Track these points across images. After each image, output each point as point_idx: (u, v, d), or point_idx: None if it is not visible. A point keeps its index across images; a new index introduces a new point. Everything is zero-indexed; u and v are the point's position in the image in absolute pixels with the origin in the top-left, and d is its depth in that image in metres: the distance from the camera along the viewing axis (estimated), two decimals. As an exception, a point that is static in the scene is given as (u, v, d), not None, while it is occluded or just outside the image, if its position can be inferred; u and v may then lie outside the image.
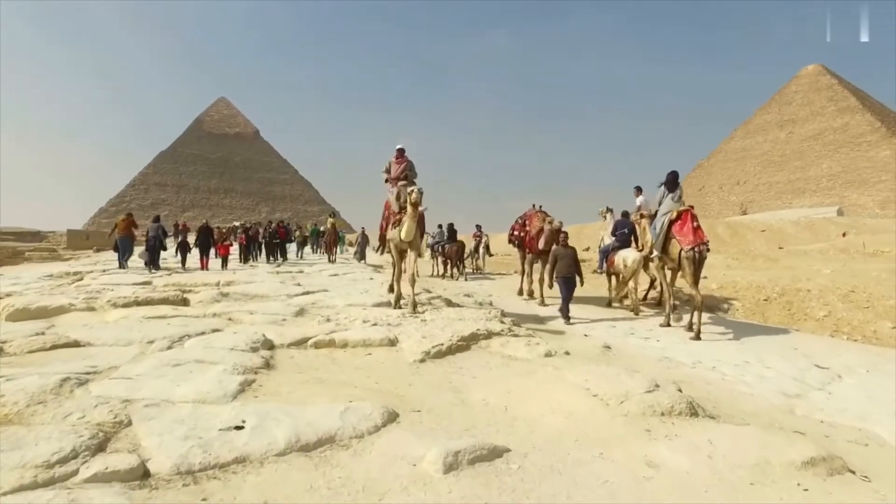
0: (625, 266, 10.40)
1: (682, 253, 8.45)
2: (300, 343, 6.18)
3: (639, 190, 12.13)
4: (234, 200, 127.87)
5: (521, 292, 13.00)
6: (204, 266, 16.04)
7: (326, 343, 6.16)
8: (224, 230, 32.25)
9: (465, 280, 16.63)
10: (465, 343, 6.46)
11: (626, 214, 11.67)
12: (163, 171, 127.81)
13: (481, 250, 20.32)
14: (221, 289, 10.65)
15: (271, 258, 20.07)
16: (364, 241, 23.99)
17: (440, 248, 17.82)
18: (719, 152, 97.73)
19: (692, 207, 8.88)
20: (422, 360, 5.81)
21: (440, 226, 19.25)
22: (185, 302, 8.94)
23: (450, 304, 9.87)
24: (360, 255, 23.12)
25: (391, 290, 9.27)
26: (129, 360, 5.04)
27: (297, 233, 25.99)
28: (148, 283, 11.50)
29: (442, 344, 6.21)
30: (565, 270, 9.77)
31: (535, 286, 12.37)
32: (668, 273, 9.42)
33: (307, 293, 10.57)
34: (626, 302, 11.37)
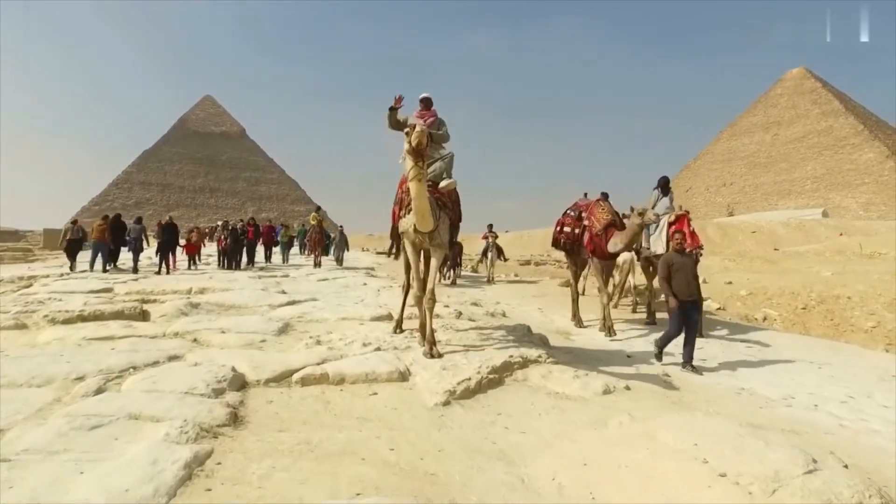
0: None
1: None
2: (282, 378, 4.61)
3: (604, 196, 12.93)
4: (220, 200, 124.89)
5: (576, 320, 9.27)
6: (171, 268, 14.88)
7: (317, 378, 4.59)
8: (206, 230, 30.41)
9: (454, 284, 15.11)
10: (498, 376, 4.94)
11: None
12: (147, 169, 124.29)
13: (491, 254, 16.67)
14: (192, 298, 9.00)
15: (232, 263, 16.45)
16: (342, 241, 19.90)
17: None
18: (706, 154, 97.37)
19: (688, 213, 9.37)
20: (446, 403, 4.29)
21: None
22: (143, 315, 7.30)
23: (459, 315, 8.37)
24: (337, 259, 19.12)
25: (398, 326, 6.73)
26: (29, 415, 3.45)
27: (284, 231, 22.15)
28: (108, 290, 9.81)
29: (469, 378, 4.68)
30: (685, 290, 6.22)
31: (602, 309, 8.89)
32: (652, 272, 9.69)
33: (293, 303, 8.97)
34: (624, 300, 11.56)
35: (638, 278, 11.51)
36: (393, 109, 6.11)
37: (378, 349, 5.58)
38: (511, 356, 5.30)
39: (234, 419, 3.63)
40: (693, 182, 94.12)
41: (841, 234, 42.12)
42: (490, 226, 17.36)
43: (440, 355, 5.29)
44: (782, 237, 53.13)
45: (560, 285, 15.72)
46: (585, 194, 9.48)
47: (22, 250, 28.55)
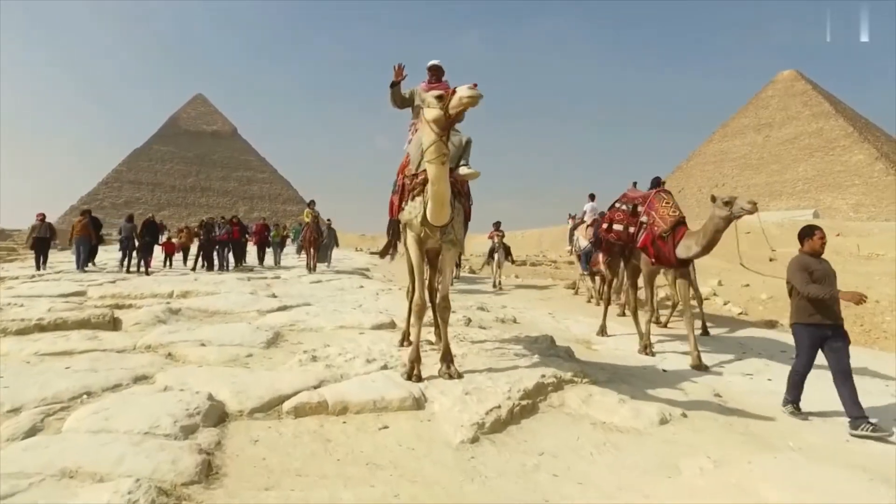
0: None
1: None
2: (271, 407, 3.73)
3: (591, 197, 13.61)
4: (212, 199, 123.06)
5: (603, 332, 8.15)
6: (148, 267, 14.16)
7: (314, 408, 3.71)
8: (196, 230, 29.31)
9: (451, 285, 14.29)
10: (531, 401, 4.09)
11: (602, 216, 11.80)
12: (137, 168, 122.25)
13: (498, 255, 14.57)
14: (173, 302, 8.08)
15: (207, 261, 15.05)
16: (330, 238, 17.93)
17: None
18: (698, 155, 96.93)
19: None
20: (474, 440, 3.44)
21: None
22: (114, 324, 6.37)
23: (468, 322, 7.53)
24: (326, 257, 17.61)
25: (404, 339, 5.74)
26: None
27: (276, 231, 19.67)
28: (80, 293, 8.86)
29: (498, 406, 3.83)
30: (830, 309, 4.31)
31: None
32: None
33: (284, 308, 8.07)
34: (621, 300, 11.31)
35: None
36: (395, 85, 5.25)
37: (385, 367, 4.71)
38: (543, 376, 4.45)
39: (207, 471, 2.75)
40: (685, 183, 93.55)
41: (837, 235, 41.71)
42: (497, 224, 15.40)
43: (459, 375, 4.43)
44: (776, 237, 52.48)
45: (566, 287, 14.92)
46: (634, 183, 8.15)
47: (6, 249, 27.40)
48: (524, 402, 4.00)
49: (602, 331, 8.15)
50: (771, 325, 10.14)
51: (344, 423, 3.60)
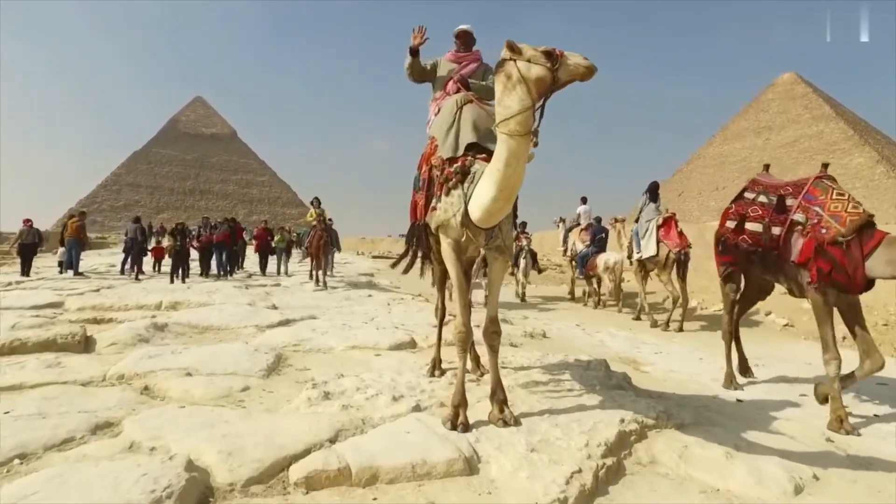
0: (606, 268, 10.64)
1: (671, 254, 9.20)
2: (274, 475, 2.72)
3: (584, 200, 13.64)
4: (211, 202, 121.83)
5: (730, 379, 5.60)
6: (138, 273, 13.57)
7: (332, 478, 2.68)
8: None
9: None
10: (615, 459, 3.08)
11: (598, 220, 12.27)
12: (136, 171, 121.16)
13: (524, 262, 12.46)
14: (159, 316, 7.06)
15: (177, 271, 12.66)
16: (333, 240, 15.14)
17: None
18: (698, 158, 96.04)
19: (675, 214, 9.81)
20: (557, 528, 2.42)
21: None
22: (85, 345, 5.34)
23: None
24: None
25: (435, 367, 4.66)
26: None
27: (279, 236, 16.85)
28: (57, 304, 7.83)
29: (579, 470, 2.82)
30: None
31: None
32: (643, 275, 10.04)
33: (286, 323, 7.07)
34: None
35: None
36: (414, 53, 4.25)
37: (417, 407, 3.69)
38: (623, 421, 3.44)
39: None
40: (685, 186, 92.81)
41: (848, 238, 40.73)
42: (523, 224, 13.32)
43: (517, 421, 3.40)
44: (781, 241, 52.04)
45: (584, 298, 13.89)
46: (766, 167, 6.22)
47: (1, 254, 26.51)
48: (608, 461, 2.99)
49: (730, 379, 5.61)
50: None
51: (374, 499, 2.59)
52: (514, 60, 2.91)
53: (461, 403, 3.38)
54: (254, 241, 16.74)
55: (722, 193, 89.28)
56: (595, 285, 11.79)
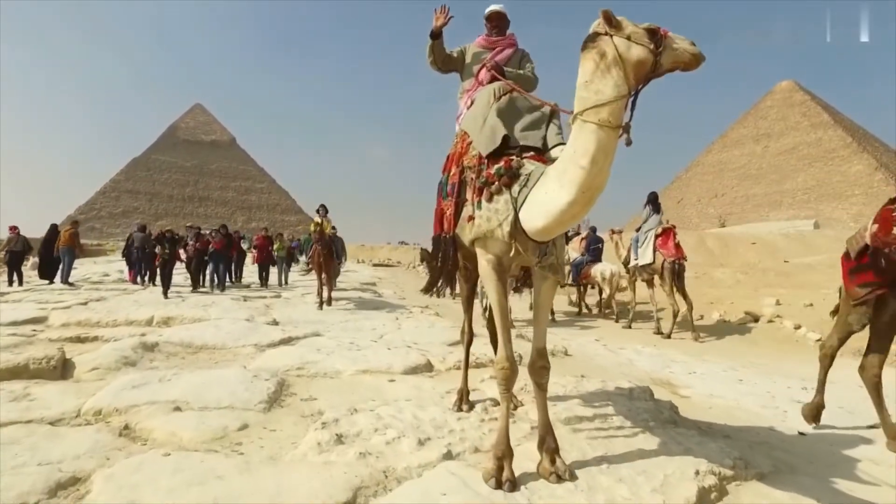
0: (602, 278, 10.65)
1: (665, 264, 9.20)
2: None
3: None
4: (210, 209, 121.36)
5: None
6: (132, 279, 13.45)
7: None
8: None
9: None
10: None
11: (594, 230, 12.24)
12: (135, 178, 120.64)
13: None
14: (150, 333, 6.44)
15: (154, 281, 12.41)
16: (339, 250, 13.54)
17: None
18: (697, 165, 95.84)
19: (675, 226, 9.82)
20: None
21: None
22: (62, 370, 4.72)
23: (519, 360, 5.89)
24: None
25: (463, 399, 3.95)
26: None
27: (278, 244, 15.40)
28: (39, 319, 7.21)
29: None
30: None
31: None
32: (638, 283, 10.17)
33: (288, 341, 6.46)
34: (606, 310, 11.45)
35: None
36: (436, 36, 3.67)
37: (448, 454, 3.08)
38: (698, 473, 2.84)
39: None
40: (684, 193, 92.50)
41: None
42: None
43: (572, 475, 2.79)
44: (783, 248, 51.16)
45: (597, 311, 13.30)
46: None
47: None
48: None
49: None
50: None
51: None
52: (611, 36, 2.34)
53: (506, 455, 2.77)
54: (254, 251, 15.48)
55: (721, 201, 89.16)
56: (583, 294, 11.94)
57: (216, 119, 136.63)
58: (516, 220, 2.68)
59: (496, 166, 2.85)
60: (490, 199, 2.82)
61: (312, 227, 10.61)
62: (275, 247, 15.28)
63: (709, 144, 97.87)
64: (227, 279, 13.57)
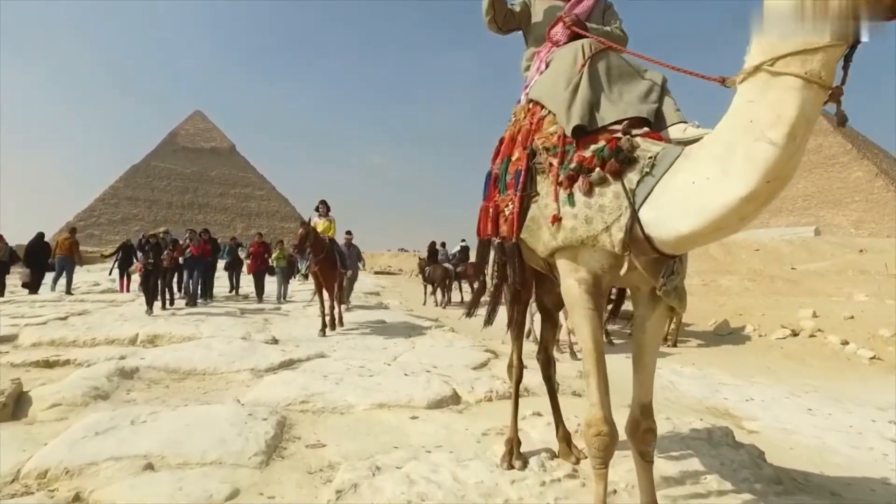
0: None
1: None
2: None
3: None
4: (209, 216, 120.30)
5: None
6: (123, 289, 12.56)
7: None
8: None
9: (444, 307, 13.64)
10: None
11: None
12: (134, 185, 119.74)
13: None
14: (131, 355, 5.57)
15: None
16: (354, 261, 11.54)
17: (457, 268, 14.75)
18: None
19: None
20: None
21: (443, 244, 15.75)
22: (14, 407, 3.85)
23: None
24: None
25: (513, 452, 2.99)
26: None
27: (279, 251, 13.14)
28: (8, 338, 6.36)
29: None
30: None
31: None
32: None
33: (290, 364, 5.62)
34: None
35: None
36: None
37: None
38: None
39: None
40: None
41: (861, 251, 39.69)
42: None
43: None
44: (787, 255, 50.44)
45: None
46: None
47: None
48: None
49: None
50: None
51: None
52: None
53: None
54: (250, 261, 13.11)
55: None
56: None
57: (216, 126, 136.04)
58: (634, 223, 1.85)
59: (593, 147, 2.02)
60: (589, 192, 1.99)
61: (302, 231, 7.66)
62: (273, 255, 13.15)
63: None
64: (199, 292, 11.20)
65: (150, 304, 8.69)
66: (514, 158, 2.50)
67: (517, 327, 3.25)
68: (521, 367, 3.29)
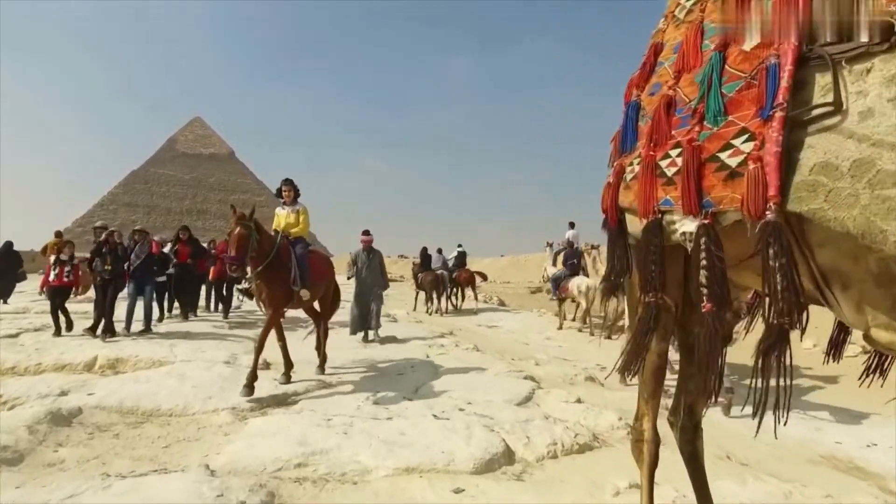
0: (579, 292, 10.41)
1: None
2: None
3: (571, 225, 12.95)
4: (208, 222, 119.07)
5: None
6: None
7: None
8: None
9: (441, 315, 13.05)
10: None
11: (571, 245, 12.01)
12: (133, 191, 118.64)
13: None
14: (76, 390, 4.28)
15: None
16: (376, 269, 8.50)
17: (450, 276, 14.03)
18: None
19: None
20: None
21: (439, 250, 14.93)
22: None
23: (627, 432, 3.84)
24: (362, 322, 7.74)
25: None
26: None
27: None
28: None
29: None
30: None
31: None
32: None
33: (284, 400, 4.34)
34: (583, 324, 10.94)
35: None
36: None
37: None
38: None
39: None
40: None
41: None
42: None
43: None
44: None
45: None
46: None
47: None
48: None
49: None
50: None
51: None
52: None
53: None
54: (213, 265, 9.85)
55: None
56: (563, 308, 11.64)
57: (215, 132, 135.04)
58: None
59: None
60: None
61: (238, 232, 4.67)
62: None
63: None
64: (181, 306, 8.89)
65: (106, 326, 6.44)
66: (674, 89, 1.28)
67: (650, 377, 1.98)
68: (656, 443, 2.01)
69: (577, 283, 10.59)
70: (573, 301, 10.93)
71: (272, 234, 5.32)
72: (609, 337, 9.24)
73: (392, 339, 7.64)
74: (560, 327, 11.16)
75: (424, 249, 14.55)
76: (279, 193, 5.97)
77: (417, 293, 14.26)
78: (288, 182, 5.96)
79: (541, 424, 3.84)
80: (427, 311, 13.44)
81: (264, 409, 4.16)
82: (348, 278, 8.12)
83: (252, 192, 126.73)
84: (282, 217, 5.81)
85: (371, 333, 7.57)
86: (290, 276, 5.02)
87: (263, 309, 5.18)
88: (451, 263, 14.48)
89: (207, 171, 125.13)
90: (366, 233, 8.12)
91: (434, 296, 13.60)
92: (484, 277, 16.31)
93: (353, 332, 7.54)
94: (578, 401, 4.58)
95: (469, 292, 14.81)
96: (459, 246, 15.28)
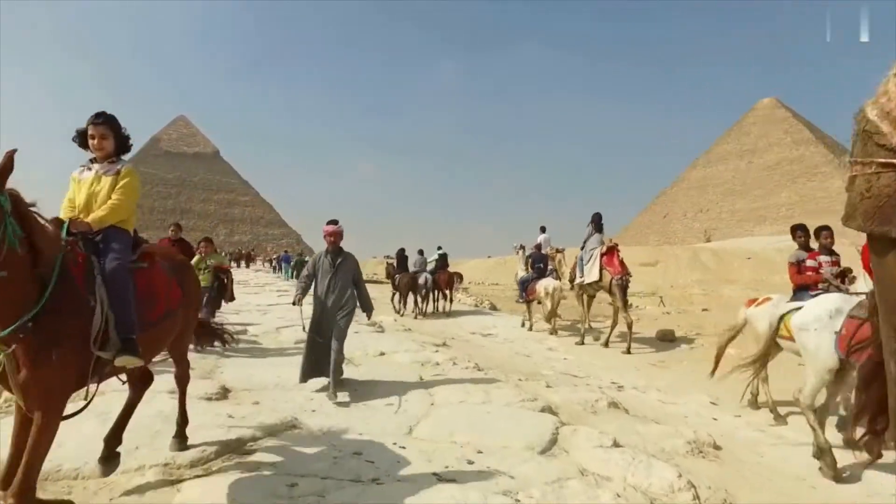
0: (546, 293, 10.55)
1: (613, 280, 9.16)
2: None
3: (542, 229, 12.94)
4: (192, 222, 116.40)
5: None
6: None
7: None
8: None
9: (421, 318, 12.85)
10: None
11: (538, 248, 12.20)
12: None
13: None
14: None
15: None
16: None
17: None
18: (682, 180, 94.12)
19: (617, 245, 9.82)
20: None
21: (420, 251, 14.65)
22: None
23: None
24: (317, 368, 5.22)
25: None
26: None
27: (198, 257, 7.38)
28: None
29: None
30: None
31: None
32: (586, 299, 10.33)
33: (238, 447, 3.29)
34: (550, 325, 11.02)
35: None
36: None
37: None
38: None
39: None
40: (670, 208, 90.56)
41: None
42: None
43: None
44: (779, 263, 49.51)
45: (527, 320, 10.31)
46: None
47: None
48: None
49: None
50: None
51: None
52: None
53: None
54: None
55: (706, 216, 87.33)
56: (531, 309, 11.78)
57: (199, 131, 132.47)
58: None
59: None
60: None
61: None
62: (194, 261, 6.99)
63: (693, 160, 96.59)
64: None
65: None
66: None
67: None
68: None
69: (543, 285, 10.91)
70: (539, 303, 11.19)
71: (54, 232, 2.53)
72: (628, 351, 8.87)
73: (380, 356, 6.59)
74: (530, 328, 11.48)
75: (402, 251, 14.36)
76: (82, 142, 3.06)
77: (393, 295, 13.92)
78: (100, 117, 3.03)
79: (579, 488, 2.85)
80: (398, 312, 13.17)
81: (210, 464, 3.11)
82: (294, 303, 5.28)
83: (237, 192, 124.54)
84: (83, 186, 3.01)
85: (330, 388, 4.78)
86: (87, 324, 2.42)
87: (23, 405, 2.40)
88: (430, 266, 14.20)
89: (192, 171, 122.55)
90: (332, 223, 5.35)
91: (410, 298, 13.32)
92: (461, 278, 16.14)
93: (304, 380, 5.02)
94: (615, 444, 3.59)
95: (452, 294, 14.55)
96: (440, 248, 15.08)
